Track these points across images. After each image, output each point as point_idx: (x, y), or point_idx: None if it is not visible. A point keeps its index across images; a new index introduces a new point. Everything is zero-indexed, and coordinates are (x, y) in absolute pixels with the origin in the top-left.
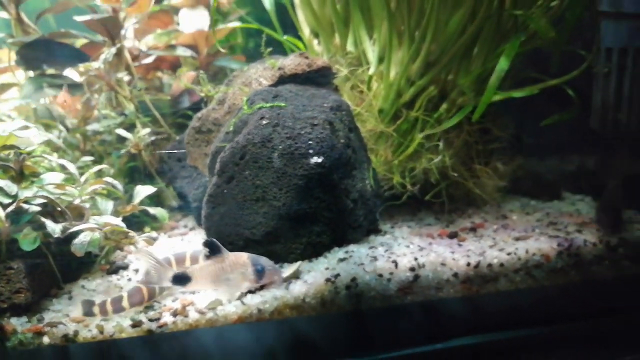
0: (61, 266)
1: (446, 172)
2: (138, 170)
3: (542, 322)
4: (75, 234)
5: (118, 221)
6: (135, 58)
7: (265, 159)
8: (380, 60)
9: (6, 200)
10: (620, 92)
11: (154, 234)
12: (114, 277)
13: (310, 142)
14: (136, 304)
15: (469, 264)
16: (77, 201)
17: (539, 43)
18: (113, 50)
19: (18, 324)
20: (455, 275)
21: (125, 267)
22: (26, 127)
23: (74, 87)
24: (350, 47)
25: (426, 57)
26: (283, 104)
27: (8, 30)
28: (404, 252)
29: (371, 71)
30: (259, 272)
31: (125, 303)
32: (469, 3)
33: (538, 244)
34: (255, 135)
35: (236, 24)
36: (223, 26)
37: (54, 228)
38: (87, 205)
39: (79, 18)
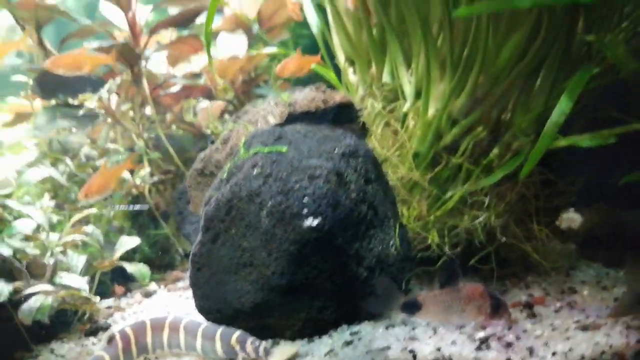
0: (33, 324)
1: (496, 233)
2: (143, 213)
3: None
4: (29, 296)
5: (81, 283)
6: (158, 87)
7: (253, 216)
8: (418, 94)
9: None
10: None
11: (153, 286)
12: (90, 340)
13: (305, 200)
14: None
15: None
16: (48, 254)
17: (617, 76)
18: (117, 80)
19: None
20: None
21: (106, 328)
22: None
23: (89, 117)
24: (386, 77)
25: (472, 91)
26: (284, 149)
27: (30, 57)
28: (429, 335)
29: (406, 107)
30: (496, 308)
31: None
32: (527, 26)
33: (610, 338)
34: (243, 187)
35: (273, 49)
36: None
37: (2, 289)
38: (51, 261)
39: (91, 45)
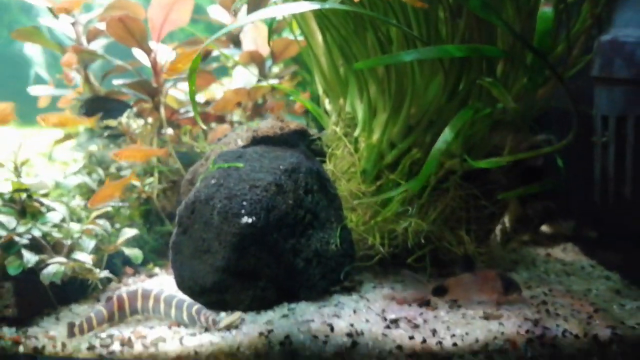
0: (59, 290)
1: (431, 237)
2: (152, 213)
3: None
4: (49, 265)
5: (86, 258)
6: (175, 112)
7: (208, 215)
8: (365, 122)
9: (4, 233)
10: (621, 164)
11: (157, 270)
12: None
13: (244, 203)
14: (101, 323)
15: (411, 337)
16: (68, 239)
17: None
18: (134, 109)
19: (8, 333)
20: (400, 347)
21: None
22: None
23: (117, 136)
24: (348, 108)
25: (406, 120)
26: (241, 165)
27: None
28: (349, 314)
29: (357, 132)
30: (507, 286)
31: (94, 322)
32: (447, 68)
33: (503, 327)
34: (202, 193)
35: (275, 82)
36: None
37: (29, 259)
38: (69, 242)
39: (116, 82)
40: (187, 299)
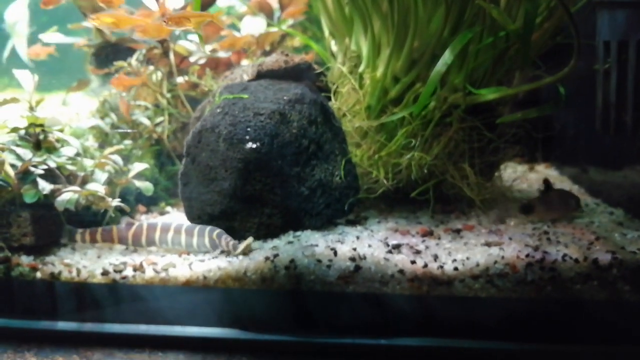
0: (75, 221)
1: (435, 171)
2: (163, 154)
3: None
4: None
5: (99, 188)
6: (184, 59)
7: (214, 143)
8: (370, 58)
9: (19, 164)
10: (622, 91)
11: (168, 208)
12: None
13: (248, 129)
14: (107, 241)
15: (413, 262)
16: (81, 172)
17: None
18: (143, 51)
19: (25, 261)
20: (401, 272)
21: None
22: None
23: None
24: (353, 46)
25: (409, 54)
26: (246, 96)
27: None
28: (352, 241)
29: (362, 68)
30: (577, 203)
31: (98, 236)
32: (449, 1)
33: (503, 252)
34: (208, 122)
35: (283, 29)
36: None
37: (44, 187)
38: (81, 173)
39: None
40: (206, 226)
